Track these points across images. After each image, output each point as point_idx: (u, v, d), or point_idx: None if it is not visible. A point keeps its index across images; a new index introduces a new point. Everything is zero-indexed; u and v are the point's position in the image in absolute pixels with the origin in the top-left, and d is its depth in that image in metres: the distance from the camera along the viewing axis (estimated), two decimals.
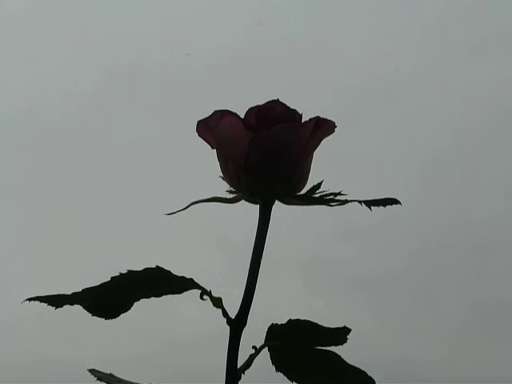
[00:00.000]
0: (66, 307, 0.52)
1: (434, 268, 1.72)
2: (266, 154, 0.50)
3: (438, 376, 1.63)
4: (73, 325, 1.28)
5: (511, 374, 1.55)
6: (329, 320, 0.54)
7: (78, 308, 0.52)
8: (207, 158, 0.53)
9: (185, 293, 0.52)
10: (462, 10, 1.79)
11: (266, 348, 0.53)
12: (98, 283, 0.51)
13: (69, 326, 1.36)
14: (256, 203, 0.52)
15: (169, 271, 0.51)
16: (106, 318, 0.52)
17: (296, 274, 1.69)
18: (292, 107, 0.51)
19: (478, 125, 1.79)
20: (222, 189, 0.52)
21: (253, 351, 0.53)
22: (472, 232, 1.77)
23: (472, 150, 1.80)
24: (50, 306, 0.52)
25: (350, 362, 0.54)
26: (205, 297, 0.51)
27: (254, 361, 0.52)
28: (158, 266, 0.51)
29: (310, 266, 1.68)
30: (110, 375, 0.56)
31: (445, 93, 1.81)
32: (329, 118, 0.51)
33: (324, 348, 0.54)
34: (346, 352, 0.54)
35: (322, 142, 0.52)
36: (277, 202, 0.52)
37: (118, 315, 0.52)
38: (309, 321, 0.53)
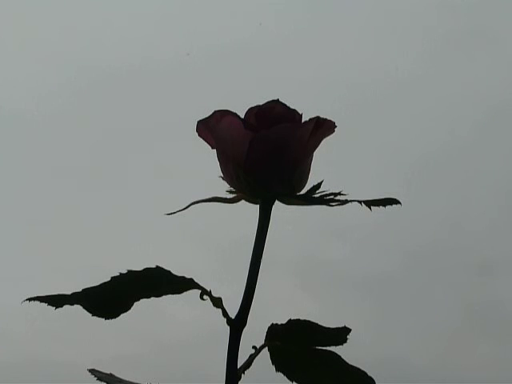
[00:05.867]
0: (66, 307, 0.52)
1: (431, 268, 1.72)
2: (266, 154, 0.50)
3: (434, 376, 1.63)
4: (71, 326, 1.28)
5: (510, 374, 1.55)
6: (325, 320, 0.54)
7: (77, 308, 0.52)
8: (207, 157, 0.53)
9: (185, 293, 0.52)
10: (461, 9, 1.79)
11: (266, 348, 0.53)
12: (98, 283, 0.51)
13: (67, 327, 1.36)
14: (256, 203, 0.52)
15: (169, 271, 0.51)
16: (106, 318, 0.52)
17: (292, 273, 1.69)
18: (292, 107, 0.51)
19: (478, 126, 1.79)
20: (222, 189, 0.52)
21: (253, 351, 0.53)
22: (469, 232, 1.77)
23: (470, 150, 1.80)
24: (49, 306, 0.52)
25: (349, 361, 0.54)
26: (205, 297, 0.51)
27: (254, 361, 0.52)
28: (158, 266, 0.51)
29: (305, 265, 1.68)
30: (110, 375, 0.56)
31: (444, 93, 1.81)
32: (329, 118, 0.51)
33: (324, 348, 0.54)
34: (345, 352, 0.54)
35: (322, 142, 0.52)
36: (277, 202, 0.52)
37: (118, 315, 0.52)
38: (309, 321, 0.53)
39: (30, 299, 0.52)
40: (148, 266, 0.51)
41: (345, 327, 0.54)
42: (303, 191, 0.52)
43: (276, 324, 0.53)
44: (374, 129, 1.76)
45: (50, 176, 1.72)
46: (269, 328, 0.53)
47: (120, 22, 1.81)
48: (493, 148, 1.81)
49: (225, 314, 0.51)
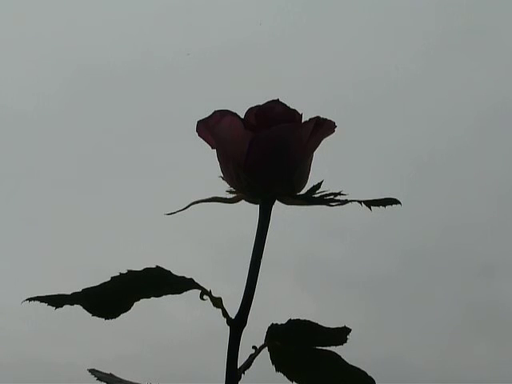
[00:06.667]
0: (66, 307, 0.52)
1: (431, 268, 1.72)
2: (266, 154, 0.50)
3: (434, 376, 1.63)
4: (71, 326, 1.28)
5: (509, 374, 1.55)
6: (325, 320, 0.54)
7: (77, 308, 0.52)
8: (207, 157, 0.53)
9: (185, 293, 0.52)
10: (461, 9, 1.79)
11: (266, 348, 0.53)
12: (98, 283, 0.51)
13: (67, 327, 1.36)
14: (256, 203, 0.52)
15: (169, 271, 0.51)
16: (106, 318, 0.52)
17: (292, 273, 1.69)
18: (292, 107, 0.51)
19: (478, 125, 1.79)
20: (222, 189, 0.52)
21: (253, 351, 0.53)
22: (469, 233, 1.77)
23: (471, 150, 1.80)
24: (49, 306, 0.52)
25: (349, 361, 0.54)
26: (205, 297, 0.51)
27: (254, 361, 0.52)
28: (158, 266, 0.51)
29: (305, 265, 1.68)
30: (110, 375, 0.56)
31: (444, 93, 1.81)
32: (329, 118, 0.51)
33: (324, 348, 0.54)
34: (345, 352, 0.54)
35: (322, 142, 0.52)
36: (277, 201, 0.52)
37: (118, 315, 0.52)
38: (309, 321, 0.53)
39: (29, 299, 0.52)
40: (148, 266, 0.51)
41: (345, 327, 0.54)
42: (303, 191, 0.52)
43: (276, 324, 0.53)
44: (374, 129, 1.76)
45: (49, 176, 1.72)
46: (269, 328, 0.53)
47: (120, 22, 1.81)
48: (493, 148, 1.81)
49: (225, 314, 0.51)
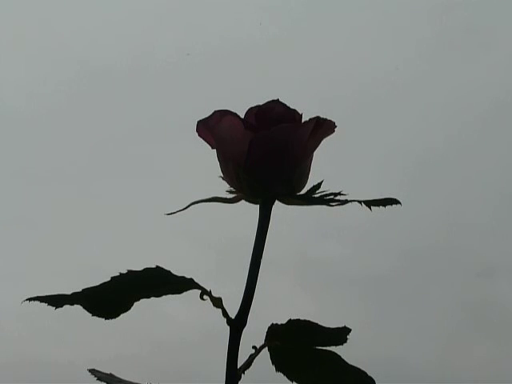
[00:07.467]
0: (66, 307, 0.52)
1: (430, 268, 1.72)
2: (266, 154, 0.50)
3: (434, 376, 1.63)
4: (71, 326, 1.28)
5: (509, 374, 1.55)
6: (325, 320, 0.54)
7: (77, 308, 0.52)
8: (207, 157, 0.53)
9: (185, 293, 0.52)
10: (461, 9, 1.79)
11: (266, 348, 0.53)
12: (97, 283, 0.51)
13: (66, 327, 1.36)
14: (256, 203, 0.52)
15: (169, 271, 0.51)
16: (106, 318, 0.53)
17: (292, 273, 1.69)
18: (292, 107, 0.51)
19: (478, 125, 1.79)
20: (222, 189, 0.52)
21: (253, 351, 0.53)
22: (468, 233, 1.77)
23: (470, 150, 1.80)
24: (49, 306, 0.52)
25: (349, 361, 0.55)
26: (205, 297, 0.51)
27: (254, 361, 0.52)
28: (158, 266, 0.51)
29: (305, 265, 1.68)
30: (110, 375, 0.56)
31: (444, 93, 1.81)
32: (329, 118, 0.51)
33: (324, 348, 0.54)
34: (345, 352, 0.54)
35: (322, 142, 0.52)
36: (277, 202, 0.52)
37: (118, 315, 0.52)
38: (309, 321, 0.53)
39: (29, 299, 0.52)
40: (148, 266, 0.51)
41: (345, 327, 0.54)
42: (303, 191, 0.52)
43: (276, 324, 0.53)
44: (374, 129, 1.76)
45: (49, 176, 1.72)
46: (269, 328, 0.53)
47: (120, 22, 1.81)
48: (492, 148, 1.81)
49: (225, 314, 0.51)
